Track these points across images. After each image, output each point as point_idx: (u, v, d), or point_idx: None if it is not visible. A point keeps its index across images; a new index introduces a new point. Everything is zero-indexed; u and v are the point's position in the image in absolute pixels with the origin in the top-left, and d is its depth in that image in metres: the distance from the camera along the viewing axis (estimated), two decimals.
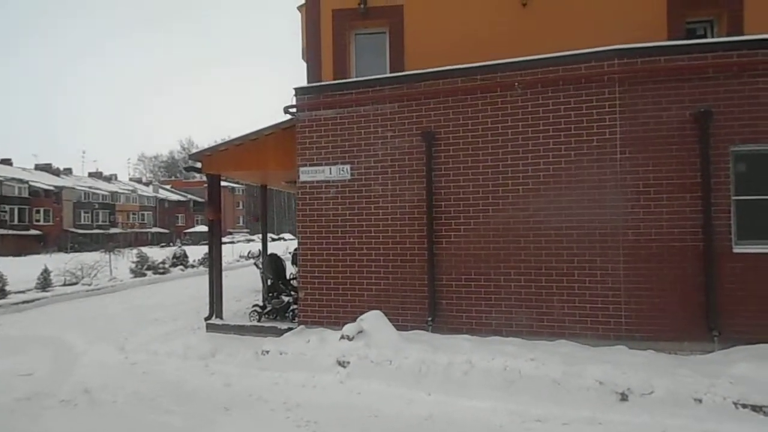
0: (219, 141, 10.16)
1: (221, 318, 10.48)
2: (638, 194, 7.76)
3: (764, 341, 7.15)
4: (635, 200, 7.77)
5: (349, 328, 7.72)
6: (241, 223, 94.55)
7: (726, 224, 7.52)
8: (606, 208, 7.87)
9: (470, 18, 10.94)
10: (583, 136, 7.98)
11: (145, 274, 20.23)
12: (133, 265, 20.62)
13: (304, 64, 12.58)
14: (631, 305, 7.74)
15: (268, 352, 7.86)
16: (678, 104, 7.64)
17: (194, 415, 6.01)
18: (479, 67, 8.48)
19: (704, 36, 10.99)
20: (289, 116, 9.63)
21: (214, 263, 10.71)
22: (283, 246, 38.08)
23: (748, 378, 5.51)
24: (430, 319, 8.57)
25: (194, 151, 10.56)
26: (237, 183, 79.67)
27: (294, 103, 9.54)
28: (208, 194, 10.77)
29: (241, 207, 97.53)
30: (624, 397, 5.61)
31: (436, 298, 8.63)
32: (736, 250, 7.52)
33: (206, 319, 10.39)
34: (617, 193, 7.82)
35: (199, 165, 10.36)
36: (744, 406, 5.24)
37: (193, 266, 23.69)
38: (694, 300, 7.56)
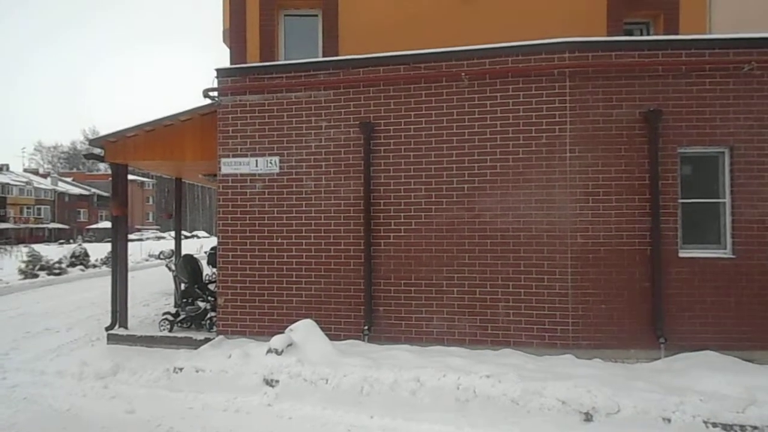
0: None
1: (126, 327, 9.18)
2: (587, 195, 7.41)
3: (708, 347, 7.01)
4: (584, 201, 7.41)
5: (277, 341, 6.80)
6: (150, 220, 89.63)
7: (673, 228, 7.32)
8: (554, 209, 7.47)
9: (408, 2, 10.30)
10: (532, 133, 7.52)
11: (37, 275, 17.97)
12: (23, 265, 18.31)
13: (226, 51, 11.48)
14: (579, 312, 7.38)
15: (181, 369, 6.78)
16: (628, 102, 7.35)
17: None
18: (424, 54, 7.82)
19: None
20: (209, 101, 8.53)
21: (118, 264, 9.37)
22: (197, 244, 35.94)
23: (718, 394, 5.18)
24: (366, 327, 7.82)
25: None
26: (146, 176, 75.17)
27: (215, 86, 8.45)
28: (113, 187, 9.40)
29: (151, 202, 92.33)
30: (588, 418, 5.11)
31: (373, 304, 7.89)
32: (682, 254, 7.34)
33: (107, 329, 9.05)
34: (566, 194, 7.43)
35: (100, 152, 8.98)
36: (714, 425, 4.89)
37: (95, 266, 21.49)
38: (641, 306, 7.30)
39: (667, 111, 7.27)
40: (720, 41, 7.35)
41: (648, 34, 10.91)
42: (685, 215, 7.43)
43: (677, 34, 10.01)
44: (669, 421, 4.96)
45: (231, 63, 10.49)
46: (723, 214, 7.39)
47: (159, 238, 62.99)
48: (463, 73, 7.63)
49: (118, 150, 8.96)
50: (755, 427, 4.88)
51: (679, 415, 4.96)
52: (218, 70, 8.48)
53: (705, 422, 4.91)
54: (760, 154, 7.21)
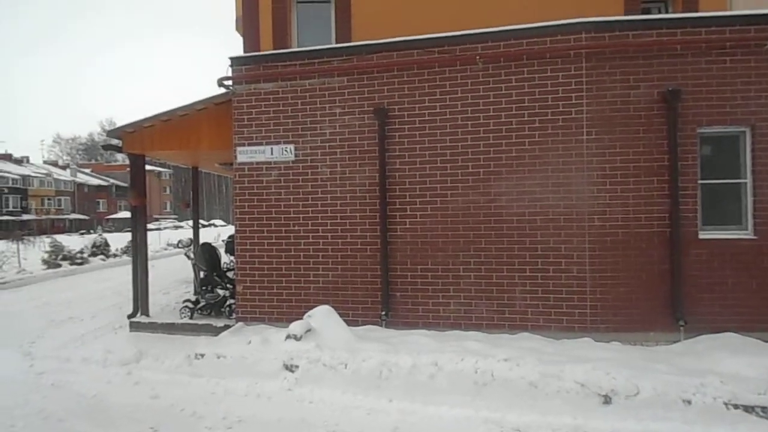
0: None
1: (147, 315, 9.34)
2: (605, 178, 7.33)
3: (729, 329, 6.95)
4: (601, 184, 7.34)
5: (296, 327, 6.87)
6: (168, 209, 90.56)
7: (692, 209, 7.22)
8: (571, 192, 7.40)
9: None
10: (548, 116, 7.45)
11: (59, 265, 18.31)
12: (46, 255, 18.65)
13: (240, 40, 11.47)
14: (597, 295, 7.34)
15: (203, 355, 6.90)
16: (646, 83, 7.23)
17: None
18: (437, 38, 7.75)
19: None
20: (224, 90, 8.56)
21: (138, 253, 9.51)
22: (215, 233, 36.29)
23: (739, 376, 5.15)
24: (383, 313, 7.87)
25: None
26: (164, 166, 75.89)
27: (229, 74, 8.47)
28: (131, 177, 9.51)
29: (168, 192, 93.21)
30: (607, 400, 5.11)
31: (390, 290, 7.93)
32: (702, 236, 7.25)
33: (129, 316, 9.21)
34: (583, 177, 7.36)
35: (118, 143, 9.09)
36: (735, 406, 4.86)
37: (115, 255, 21.83)
38: (660, 288, 7.24)
39: (686, 90, 7.14)
40: (741, 18, 7.18)
41: (666, 12, 10.69)
42: (705, 196, 7.33)
43: (696, 11, 9.78)
44: (689, 402, 4.93)
45: (244, 51, 10.50)
46: (744, 194, 7.27)
47: (177, 227, 63.62)
48: (477, 57, 7.56)
49: (136, 140, 9.05)
50: None
51: (700, 396, 4.93)
52: (232, 59, 8.49)
53: (726, 404, 4.88)
54: None
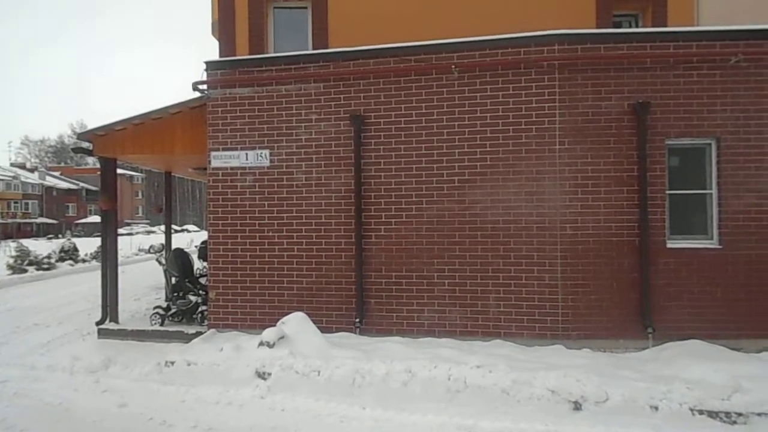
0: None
1: (117, 322, 9.14)
2: (576, 187, 7.46)
3: (695, 336, 7.11)
4: (573, 193, 7.47)
5: (269, 334, 6.81)
6: (140, 214, 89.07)
7: (661, 219, 7.39)
8: (544, 201, 7.52)
9: None
10: (521, 125, 7.56)
11: (26, 270, 17.82)
12: (12, 260, 18.15)
13: (216, 43, 11.39)
14: (568, 302, 7.45)
15: (173, 363, 6.78)
16: (617, 94, 7.40)
17: None
18: (413, 47, 7.82)
19: None
20: (198, 94, 8.48)
21: (108, 258, 9.32)
22: (188, 238, 35.81)
23: (705, 382, 5.26)
24: (358, 320, 7.85)
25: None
26: (136, 170, 74.52)
27: (205, 78, 8.40)
28: (102, 181, 9.33)
29: (140, 196, 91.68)
30: (578, 407, 5.18)
31: (364, 296, 7.92)
32: (670, 245, 7.42)
33: (98, 323, 9.01)
34: (556, 186, 7.48)
35: (88, 146, 8.91)
36: (701, 412, 4.97)
37: (84, 261, 21.34)
38: (630, 296, 7.38)
39: (655, 103, 7.33)
40: (707, 33, 7.41)
41: (636, 27, 10.97)
42: (673, 206, 7.51)
43: (665, 26, 10.07)
44: (656, 408, 5.03)
45: (220, 56, 10.43)
46: (710, 205, 7.47)
47: (149, 232, 62.65)
48: (452, 66, 7.64)
49: (107, 143, 8.89)
50: (740, 414, 4.98)
51: (666, 402, 5.04)
52: (207, 63, 8.43)
53: (691, 409, 5.00)
54: (746, 146, 7.29)
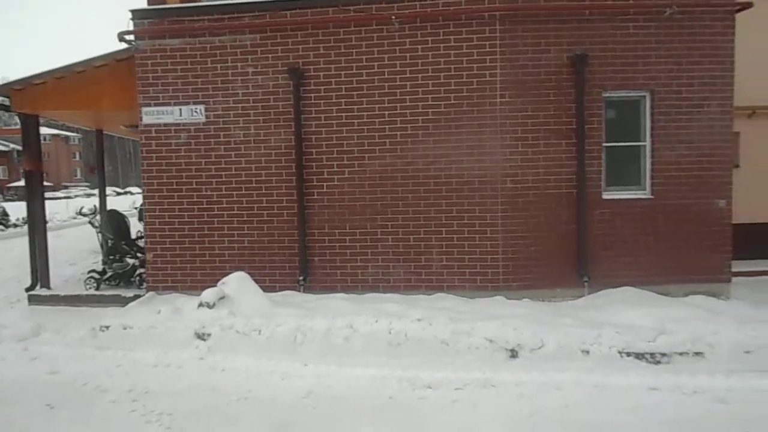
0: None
1: (48, 287, 8.75)
2: (517, 140, 7.50)
3: (628, 284, 7.39)
4: (514, 147, 7.51)
5: (208, 294, 6.66)
6: (78, 176, 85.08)
7: (597, 171, 7.56)
8: (485, 154, 7.54)
9: None
10: (463, 78, 7.48)
11: None
12: None
13: None
14: (509, 255, 7.59)
15: (108, 327, 6.57)
16: (556, 47, 7.40)
17: (2, 422, 4.67)
18: None
19: None
20: (126, 45, 7.97)
21: (35, 221, 8.85)
22: (131, 200, 34.52)
23: (634, 326, 5.51)
24: (301, 278, 7.78)
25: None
26: (71, 130, 71.01)
27: (131, 28, 7.89)
28: (23, 139, 8.75)
29: (78, 158, 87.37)
30: (514, 354, 5.34)
31: (308, 254, 7.84)
32: (606, 196, 7.62)
33: (28, 289, 8.61)
34: (497, 140, 7.50)
35: (5, 101, 8.29)
36: (628, 354, 5.22)
37: (16, 225, 20.32)
38: (567, 247, 7.58)
39: (593, 55, 7.37)
40: None
41: None
42: (609, 158, 7.68)
43: None
44: (587, 353, 5.25)
45: (148, 4, 9.77)
46: (644, 156, 7.67)
47: (88, 195, 59.89)
48: (393, 16, 7.43)
49: (26, 99, 8.29)
50: (664, 354, 5.25)
51: (597, 347, 5.26)
52: (133, 12, 7.91)
53: (620, 352, 5.24)
54: (678, 98, 7.48)
